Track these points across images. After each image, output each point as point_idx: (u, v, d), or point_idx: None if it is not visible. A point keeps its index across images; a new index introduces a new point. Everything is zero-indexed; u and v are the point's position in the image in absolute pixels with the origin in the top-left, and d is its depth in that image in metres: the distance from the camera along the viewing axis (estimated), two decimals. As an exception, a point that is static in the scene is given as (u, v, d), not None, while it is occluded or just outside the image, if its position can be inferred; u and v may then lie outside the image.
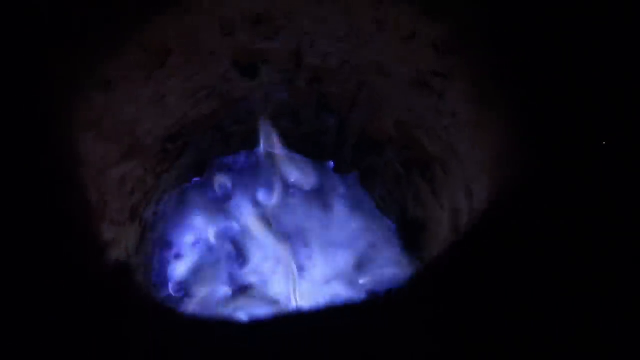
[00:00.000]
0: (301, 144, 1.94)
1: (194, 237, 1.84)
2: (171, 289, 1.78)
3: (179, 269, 1.80)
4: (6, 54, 0.77)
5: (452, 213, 1.54)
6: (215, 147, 1.89)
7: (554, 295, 0.72)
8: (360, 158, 1.90)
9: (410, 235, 1.85)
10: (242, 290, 1.74)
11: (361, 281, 1.76)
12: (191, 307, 1.71)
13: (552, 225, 0.74)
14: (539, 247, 0.73)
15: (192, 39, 1.48)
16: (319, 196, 1.86)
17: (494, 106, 1.11)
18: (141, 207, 1.69)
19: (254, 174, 1.93)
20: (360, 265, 1.78)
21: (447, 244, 0.94)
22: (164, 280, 1.80)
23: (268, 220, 1.83)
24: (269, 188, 1.89)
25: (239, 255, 1.78)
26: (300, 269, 1.75)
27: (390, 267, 1.79)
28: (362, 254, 1.81)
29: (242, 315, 1.60)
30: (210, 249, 1.81)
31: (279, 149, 1.89)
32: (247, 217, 1.82)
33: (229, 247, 1.81)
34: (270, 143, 1.87)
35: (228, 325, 0.72)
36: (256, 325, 0.70)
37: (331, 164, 1.95)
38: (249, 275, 1.76)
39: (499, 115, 1.06)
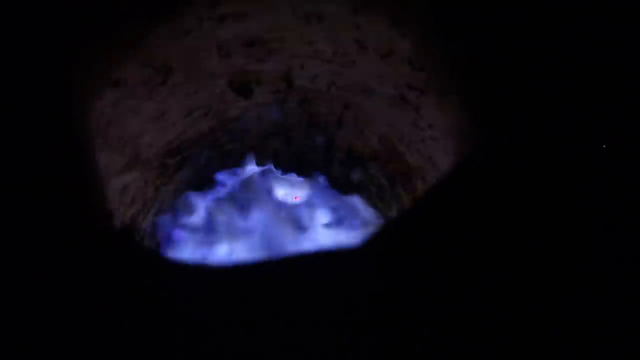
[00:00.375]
0: (292, 162, 2.06)
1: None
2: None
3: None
4: (37, 53, 0.91)
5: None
6: (212, 163, 2.01)
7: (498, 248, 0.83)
8: (347, 173, 2.03)
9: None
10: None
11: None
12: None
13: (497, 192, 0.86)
14: (485, 209, 0.85)
15: (191, 59, 1.63)
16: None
17: (457, 113, 1.24)
18: (140, 216, 1.80)
19: (247, 191, 2.03)
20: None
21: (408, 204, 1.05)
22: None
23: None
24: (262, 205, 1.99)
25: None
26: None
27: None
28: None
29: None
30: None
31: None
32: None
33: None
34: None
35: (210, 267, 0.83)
36: (235, 267, 0.81)
37: (320, 179, 2.07)
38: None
39: (463, 121, 1.19)
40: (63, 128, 0.87)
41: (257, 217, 1.98)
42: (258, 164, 2.04)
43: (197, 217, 1.94)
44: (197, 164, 1.97)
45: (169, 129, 1.79)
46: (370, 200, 2.02)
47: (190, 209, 1.92)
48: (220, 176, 2.04)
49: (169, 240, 1.83)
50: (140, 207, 1.77)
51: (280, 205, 2.00)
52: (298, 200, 1.97)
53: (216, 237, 1.90)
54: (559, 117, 1.01)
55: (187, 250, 1.82)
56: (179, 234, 1.85)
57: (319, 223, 1.92)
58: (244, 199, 1.96)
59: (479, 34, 1.04)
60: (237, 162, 2.05)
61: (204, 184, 2.01)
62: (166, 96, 1.68)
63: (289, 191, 2.02)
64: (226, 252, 1.92)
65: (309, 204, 1.98)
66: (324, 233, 1.97)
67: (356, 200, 1.99)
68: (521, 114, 0.92)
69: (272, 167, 2.04)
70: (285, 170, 2.06)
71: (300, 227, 1.94)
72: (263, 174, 2.05)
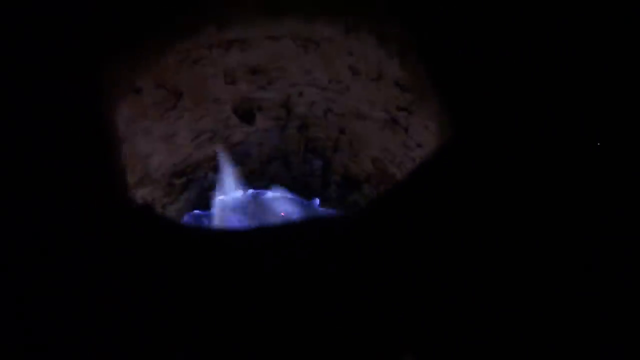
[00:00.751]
0: (292, 185, 2.19)
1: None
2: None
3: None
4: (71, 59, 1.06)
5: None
6: (216, 186, 2.14)
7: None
8: (343, 195, 2.15)
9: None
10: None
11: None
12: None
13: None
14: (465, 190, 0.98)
15: (200, 85, 1.79)
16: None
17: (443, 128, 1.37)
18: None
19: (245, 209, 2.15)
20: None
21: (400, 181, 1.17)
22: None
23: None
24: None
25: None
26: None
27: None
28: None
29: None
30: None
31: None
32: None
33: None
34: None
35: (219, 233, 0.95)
36: (247, 233, 0.92)
37: (316, 201, 2.19)
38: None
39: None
40: (97, 120, 1.02)
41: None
42: (258, 187, 2.17)
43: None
44: (202, 185, 2.09)
45: (177, 151, 1.93)
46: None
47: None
48: (220, 197, 2.16)
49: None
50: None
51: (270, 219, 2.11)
52: (284, 215, 2.09)
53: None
54: (547, 134, 1.15)
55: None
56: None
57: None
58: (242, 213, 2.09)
59: (459, 50, 1.19)
60: (239, 185, 2.18)
61: (207, 204, 2.13)
62: (175, 120, 1.83)
63: (282, 208, 2.14)
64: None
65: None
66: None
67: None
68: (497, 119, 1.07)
69: (270, 190, 2.17)
70: (284, 191, 2.18)
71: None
72: (261, 195, 2.18)
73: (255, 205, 2.12)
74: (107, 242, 0.91)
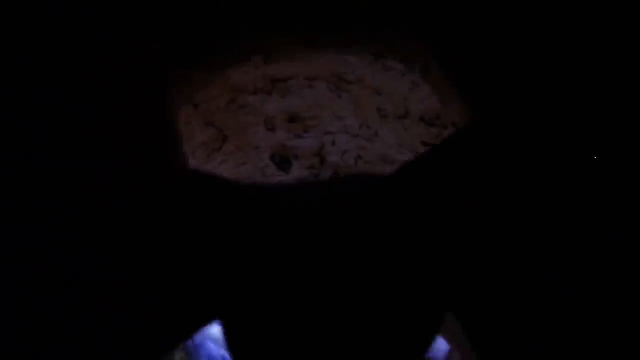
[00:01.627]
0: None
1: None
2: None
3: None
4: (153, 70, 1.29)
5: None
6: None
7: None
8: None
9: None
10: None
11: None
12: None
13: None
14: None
15: (243, 131, 1.98)
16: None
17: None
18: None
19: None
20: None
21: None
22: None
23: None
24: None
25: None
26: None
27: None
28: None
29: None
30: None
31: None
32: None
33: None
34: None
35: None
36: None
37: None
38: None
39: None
40: (166, 117, 1.21)
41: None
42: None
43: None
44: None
45: (218, 195, 2.08)
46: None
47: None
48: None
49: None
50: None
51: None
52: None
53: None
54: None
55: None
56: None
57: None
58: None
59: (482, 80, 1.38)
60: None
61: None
62: (220, 163, 2.00)
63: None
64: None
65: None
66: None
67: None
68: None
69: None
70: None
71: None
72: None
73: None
74: (179, 192, 1.06)
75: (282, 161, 2.16)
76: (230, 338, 1.12)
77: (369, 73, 1.69)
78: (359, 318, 1.09)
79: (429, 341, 1.14)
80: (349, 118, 2.01)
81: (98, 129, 1.09)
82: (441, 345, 1.51)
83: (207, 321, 1.14)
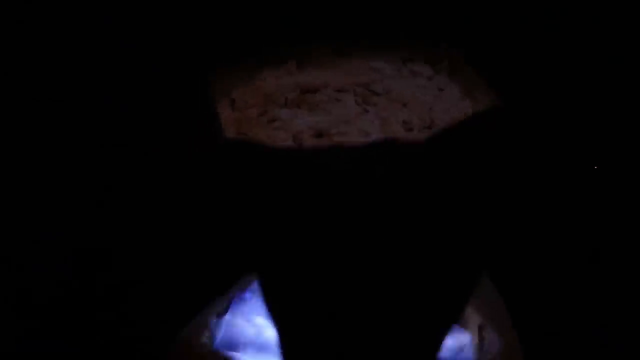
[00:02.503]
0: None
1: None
2: None
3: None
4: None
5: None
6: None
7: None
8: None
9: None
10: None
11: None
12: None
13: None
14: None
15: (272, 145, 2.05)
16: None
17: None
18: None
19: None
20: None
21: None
22: None
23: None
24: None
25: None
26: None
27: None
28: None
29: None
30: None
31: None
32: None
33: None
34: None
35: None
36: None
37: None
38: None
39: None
40: (209, 107, 1.32)
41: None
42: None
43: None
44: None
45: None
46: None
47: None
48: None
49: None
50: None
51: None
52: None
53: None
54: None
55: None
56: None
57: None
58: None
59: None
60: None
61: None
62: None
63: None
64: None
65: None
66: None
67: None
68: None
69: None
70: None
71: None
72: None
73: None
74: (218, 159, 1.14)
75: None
76: (268, 297, 1.17)
77: (396, 81, 1.77)
78: (392, 276, 1.13)
79: (461, 305, 1.15)
80: (373, 134, 2.07)
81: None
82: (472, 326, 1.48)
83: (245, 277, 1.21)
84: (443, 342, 1.22)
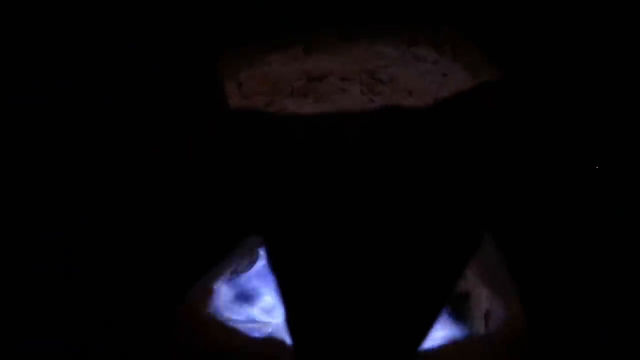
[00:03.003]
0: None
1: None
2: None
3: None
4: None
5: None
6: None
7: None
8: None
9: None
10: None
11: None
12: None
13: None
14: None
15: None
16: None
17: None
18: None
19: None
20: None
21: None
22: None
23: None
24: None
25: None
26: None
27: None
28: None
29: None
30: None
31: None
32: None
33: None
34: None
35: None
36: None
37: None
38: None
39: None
40: (215, 88, 1.36)
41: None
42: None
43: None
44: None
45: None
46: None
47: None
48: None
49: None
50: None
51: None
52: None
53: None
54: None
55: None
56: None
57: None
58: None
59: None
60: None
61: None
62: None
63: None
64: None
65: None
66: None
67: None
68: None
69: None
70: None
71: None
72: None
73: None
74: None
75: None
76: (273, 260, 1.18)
77: (401, 68, 1.79)
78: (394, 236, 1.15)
79: (463, 263, 1.16)
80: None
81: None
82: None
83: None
84: (443, 307, 1.24)
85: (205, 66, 1.38)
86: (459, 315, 1.69)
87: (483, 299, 1.63)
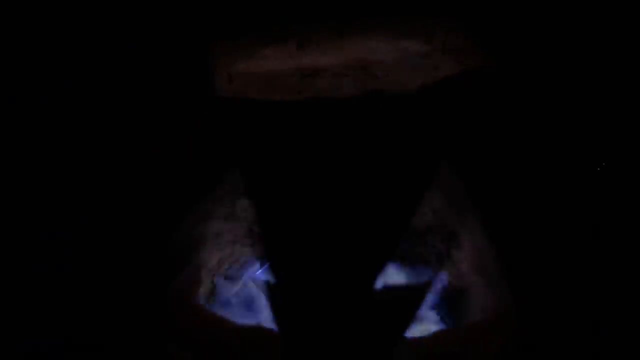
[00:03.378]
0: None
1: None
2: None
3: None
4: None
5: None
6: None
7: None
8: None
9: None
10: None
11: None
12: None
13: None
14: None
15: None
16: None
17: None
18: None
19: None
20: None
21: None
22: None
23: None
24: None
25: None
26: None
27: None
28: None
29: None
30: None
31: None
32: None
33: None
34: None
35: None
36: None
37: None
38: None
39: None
40: (208, 75, 1.40)
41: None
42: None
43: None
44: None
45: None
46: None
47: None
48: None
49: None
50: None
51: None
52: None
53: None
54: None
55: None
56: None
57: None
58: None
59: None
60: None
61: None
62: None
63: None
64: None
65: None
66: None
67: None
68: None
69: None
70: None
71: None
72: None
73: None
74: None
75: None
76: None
77: (393, 62, 1.81)
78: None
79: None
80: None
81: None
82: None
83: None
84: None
85: (196, 55, 1.43)
86: (452, 306, 1.69)
87: (474, 288, 1.62)
